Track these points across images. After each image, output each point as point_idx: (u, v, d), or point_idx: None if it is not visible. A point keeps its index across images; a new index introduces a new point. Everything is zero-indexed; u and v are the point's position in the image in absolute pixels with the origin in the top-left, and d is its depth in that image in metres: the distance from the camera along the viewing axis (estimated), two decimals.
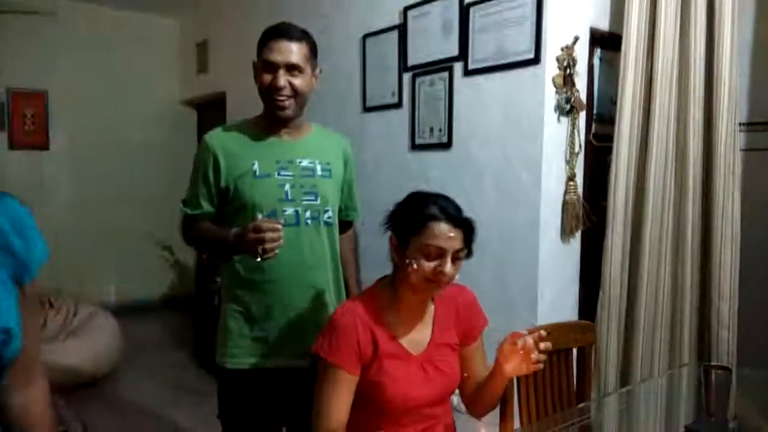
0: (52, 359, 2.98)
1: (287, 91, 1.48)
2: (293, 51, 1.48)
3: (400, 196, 1.35)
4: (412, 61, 2.86)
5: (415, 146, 2.87)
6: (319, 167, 1.57)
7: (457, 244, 1.24)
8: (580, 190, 2.41)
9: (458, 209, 1.28)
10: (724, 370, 1.29)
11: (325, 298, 1.59)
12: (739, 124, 2.28)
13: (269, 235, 1.31)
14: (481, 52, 2.51)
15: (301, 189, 1.53)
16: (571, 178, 2.37)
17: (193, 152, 1.62)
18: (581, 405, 1.57)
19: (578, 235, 2.46)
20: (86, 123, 4.89)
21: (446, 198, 1.30)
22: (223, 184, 1.51)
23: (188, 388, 3.35)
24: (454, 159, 2.67)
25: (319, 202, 1.55)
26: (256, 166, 1.50)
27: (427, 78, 2.77)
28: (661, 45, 2.22)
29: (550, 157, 2.33)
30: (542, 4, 2.26)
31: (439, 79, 2.70)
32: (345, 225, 1.75)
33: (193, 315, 4.04)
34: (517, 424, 1.55)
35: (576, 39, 2.32)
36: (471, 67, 2.55)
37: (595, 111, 2.53)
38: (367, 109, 3.16)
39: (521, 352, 1.21)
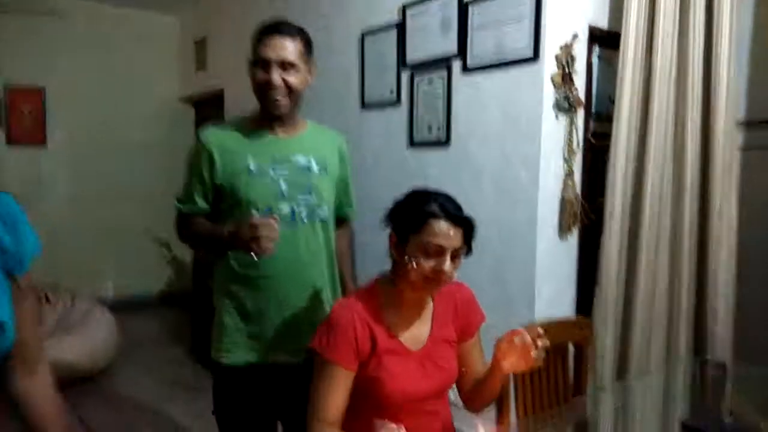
0: (49, 354, 2.95)
1: (281, 88, 1.48)
2: (287, 48, 1.47)
3: (399, 193, 1.35)
4: (410, 58, 2.86)
5: (413, 144, 2.87)
6: (314, 164, 1.56)
7: (457, 242, 1.24)
8: (578, 187, 2.42)
9: (459, 207, 1.28)
10: (719, 366, 1.30)
11: (320, 295, 1.59)
12: (737, 122, 2.29)
13: (265, 232, 1.31)
14: (479, 49, 2.51)
15: (297, 186, 1.53)
16: (569, 175, 2.38)
17: None
18: (577, 400, 1.57)
19: (576, 232, 2.47)
20: (84, 120, 4.89)
21: (447, 196, 1.29)
22: (218, 181, 1.51)
23: (185, 383, 3.35)
24: (452, 157, 2.67)
25: (314, 199, 1.55)
26: (251, 164, 1.50)
27: (426, 76, 2.77)
28: (660, 43, 2.23)
29: (549, 155, 2.34)
30: (541, 2, 2.26)
31: (438, 76, 2.71)
32: (341, 221, 1.75)
33: (190, 311, 4.04)
34: (513, 419, 1.55)
35: (575, 37, 2.33)
36: (470, 64, 2.56)
37: (593, 109, 2.54)
38: (365, 107, 3.17)
39: (519, 349, 1.22)
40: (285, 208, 1.51)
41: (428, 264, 1.23)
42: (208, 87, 4.80)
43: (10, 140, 4.67)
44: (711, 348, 2.17)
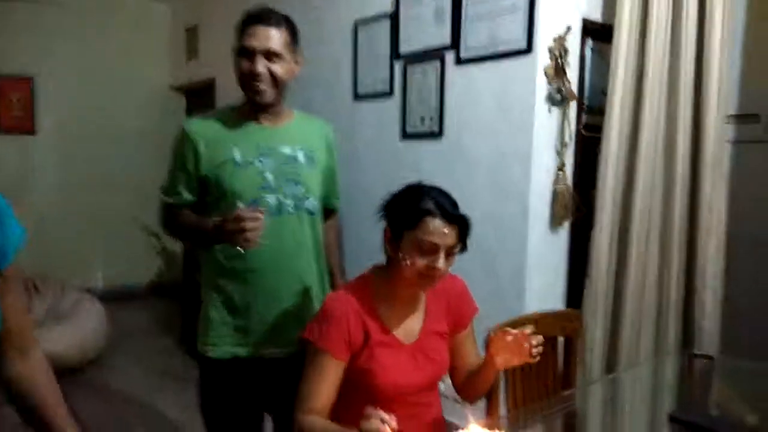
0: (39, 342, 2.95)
1: (266, 78, 1.45)
2: (272, 37, 1.45)
3: (392, 185, 1.34)
4: (403, 49, 2.84)
5: (406, 135, 2.86)
6: (301, 155, 1.54)
7: (451, 240, 1.23)
8: (570, 180, 2.42)
9: (454, 204, 1.27)
10: (706, 359, 1.31)
11: (308, 287, 1.58)
12: (729, 116, 2.29)
13: (250, 224, 1.29)
14: (473, 41, 2.50)
15: (283, 177, 1.51)
16: (561, 168, 2.38)
17: None
18: (567, 392, 1.58)
19: (567, 224, 2.47)
20: (74, 108, 4.85)
21: (442, 192, 1.28)
22: (203, 172, 1.49)
23: (175, 374, 3.34)
24: (445, 149, 2.66)
25: (301, 190, 1.53)
26: (236, 154, 1.48)
27: (419, 67, 2.76)
28: (653, 37, 2.23)
29: (541, 148, 2.33)
30: None
31: (431, 68, 2.69)
32: (328, 213, 1.73)
33: (180, 302, 4.02)
34: (503, 411, 1.56)
35: (568, 29, 2.32)
36: (463, 56, 2.54)
37: (586, 102, 2.54)
38: (358, 98, 3.15)
39: (512, 345, 1.22)
40: (271, 199, 1.49)
41: (422, 261, 1.23)
42: (200, 76, 4.75)
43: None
44: (699, 341, 2.19)
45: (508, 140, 2.39)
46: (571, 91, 2.35)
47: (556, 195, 2.38)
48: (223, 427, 1.58)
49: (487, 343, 1.31)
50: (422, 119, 2.76)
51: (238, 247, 1.32)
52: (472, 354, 1.43)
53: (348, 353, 1.27)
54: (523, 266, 2.35)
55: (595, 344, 2.35)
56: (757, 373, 1.64)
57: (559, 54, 2.29)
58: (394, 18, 2.86)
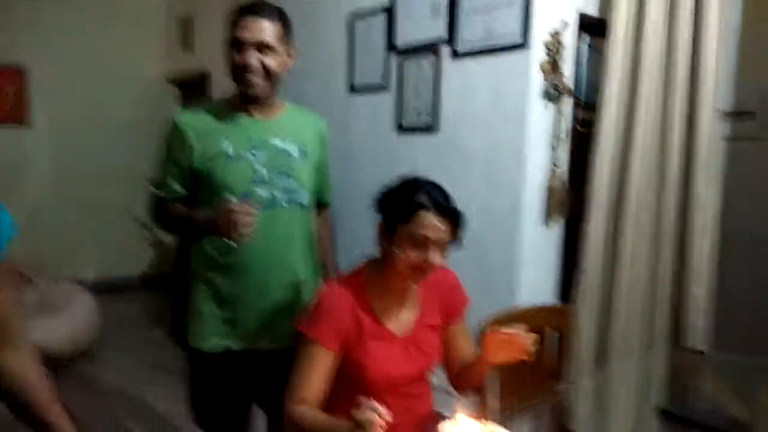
0: (29, 336, 2.94)
1: (258, 71, 1.44)
2: (265, 29, 1.43)
3: (386, 178, 1.34)
4: (399, 42, 2.83)
5: (401, 129, 2.86)
6: (293, 148, 1.53)
7: (445, 234, 1.24)
8: (564, 176, 2.42)
9: (448, 198, 1.27)
10: (695, 353, 1.31)
11: (299, 281, 1.57)
12: (724, 113, 2.30)
13: (242, 219, 1.28)
14: (469, 34, 2.49)
15: (275, 170, 1.49)
16: (555, 163, 2.38)
17: None
18: (557, 385, 1.59)
19: (561, 220, 2.47)
20: (68, 100, 4.81)
21: (437, 186, 1.28)
22: (194, 165, 1.48)
23: (166, 367, 3.33)
24: (440, 143, 2.66)
25: (292, 184, 1.52)
26: (228, 147, 1.46)
27: (415, 60, 2.75)
28: (649, 33, 2.23)
29: (536, 143, 2.33)
30: None
31: (427, 61, 2.68)
32: (321, 207, 1.72)
33: (172, 294, 4.01)
34: (493, 403, 1.56)
35: (565, 24, 2.32)
36: (459, 50, 2.54)
37: (581, 97, 2.53)
38: (353, 91, 3.13)
39: (506, 343, 1.23)
40: (263, 192, 1.48)
41: (415, 255, 1.23)
42: (194, 68, 4.72)
43: None
44: (690, 336, 2.20)
45: (503, 135, 2.39)
46: (567, 86, 2.35)
47: (550, 190, 2.38)
48: (212, 420, 1.58)
49: (481, 341, 1.31)
50: (418, 113, 2.75)
51: (230, 242, 1.31)
52: (466, 346, 1.43)
53: (340, 345, 1.27)
54: (517, 260, 2.35)
55: (587, 338, 2.36)
56: (747, 368, 1.65)
57: (554, 49, 2.29)
58: (390, 11, 2.85)
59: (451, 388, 1.47)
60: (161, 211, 1.55)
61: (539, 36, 2.27)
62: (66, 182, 4.82)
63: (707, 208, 2.19)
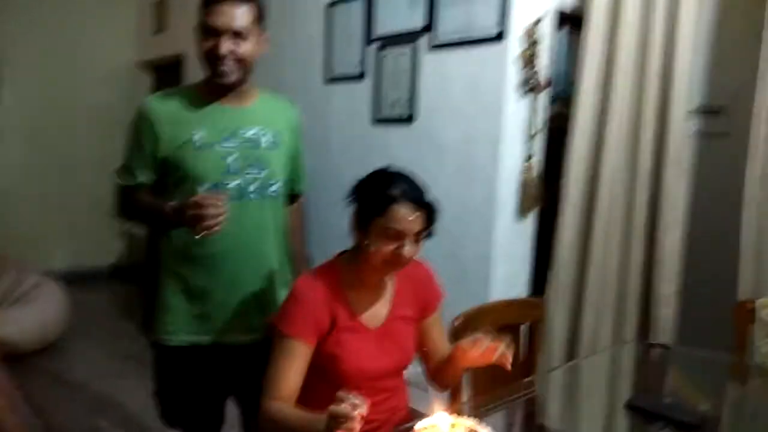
0: None
1: (230, 58, 1.39)
2: (237, 15, 1.38)
3: (363, 169, 1.33)
4: (377, 32, 2.80)
5: (377, 120, 2.84)
6: (265, 137, 1.50)
7: (418, 226, 1.23)
8: (538, 169, 2.43)
9: (421, 190, 1.26)
10: (663, 348, 1.34)
11: (269, 273, 1.55)
12: (694, 109, 2.33)
13: (210, 211, 1.24)
14: (447, 26, 2.48)
15: (246, 161, 1.46)
16: (529, 157, 2.40)
17: None
18: (528, 379, 1.60)
19: (534, 213, 2.49)
20: (36, 85, 4.66)
21: (410, 178, 1.28)
22: (161, 154, 1.43)
23: (137, 358, 3.28)
24: (416, 133, 2.65)
25: (264, 174, 1.49)
26: (197, 136, 1.42)
27: (392, 50, 2.72)
28: (624, 28, 2.24)
29: (510, 136, 2.34)
30: None
31: (404, 52, 2.66)
32: (292, 197, 1.70)
33: (142, 285, 3.94)
34: (465, 397, 1.57)
35: (541, 18, 2.32)
36: (437, 41, 2.52)
37: (556, 91, 2.54)
38: (330, 80, 3.10)
39: (480, 350, 1.23)
40: (233, 183, 1.44)
41: (388, 247, 1.23)
42: (168, 51, 4.59)
43: None
44: (656, 331, 2.24)
45: (479, 128, 2.39)
46: (542, 80, 2.35)
47: (524, 183, 2.40)
48: (178, 414, 1.56)
49: (453, 355, 1.31)
50: (394, 104, 2.74)
51: (197, 235, 1.27)
52: (440, 339, 1.44)
53: (315, 338, 1.26)
54: (489, 254, 2.36)
55: (557, 332, 2.39)
56: (711, 362, 1.69)
57: (531, 42, 2.29)
58: (369, 0, 2.82)
59: (426, 384, 1.47)
60: (126, 201, 1.51)
61: (516, 29, 2.27)
62: (34, 171, 4.69)
63: (677, 204, 2.22)
